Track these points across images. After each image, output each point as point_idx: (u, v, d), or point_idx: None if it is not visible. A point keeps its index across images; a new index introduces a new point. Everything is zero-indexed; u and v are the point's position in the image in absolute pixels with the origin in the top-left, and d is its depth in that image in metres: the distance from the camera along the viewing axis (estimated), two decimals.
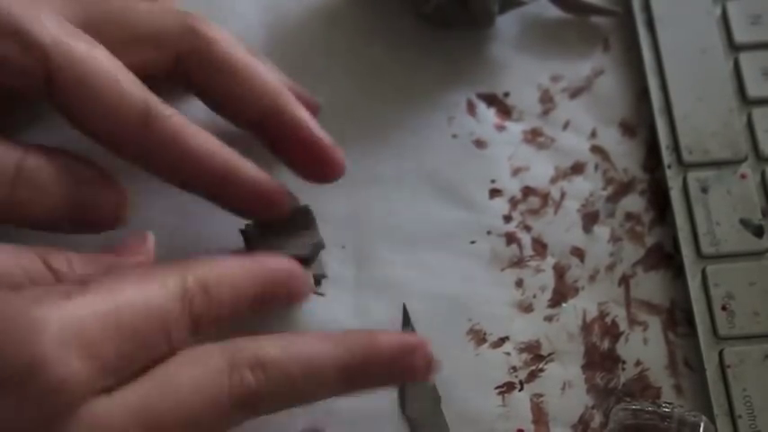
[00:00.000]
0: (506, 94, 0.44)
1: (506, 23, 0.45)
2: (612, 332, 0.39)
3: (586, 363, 0.39)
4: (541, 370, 0.39)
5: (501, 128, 0.43)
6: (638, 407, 0.36)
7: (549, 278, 0.40)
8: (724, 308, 0.38)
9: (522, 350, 0.39)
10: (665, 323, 0.39)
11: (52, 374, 0.27)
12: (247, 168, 0.36)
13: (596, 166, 0.43)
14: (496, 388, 0.38)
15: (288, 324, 0.39)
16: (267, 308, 0.34)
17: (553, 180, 0.42)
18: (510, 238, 0.41)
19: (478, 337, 0.39)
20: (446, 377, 0.38)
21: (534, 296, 0.40)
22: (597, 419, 0.38)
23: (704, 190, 0.41)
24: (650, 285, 0.40)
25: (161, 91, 0.35)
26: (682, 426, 0.35)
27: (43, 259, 0.32)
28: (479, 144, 0.43)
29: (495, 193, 0.42)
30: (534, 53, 0.45)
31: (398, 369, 0.33)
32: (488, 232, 0.41)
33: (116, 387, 0.29)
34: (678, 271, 0.40)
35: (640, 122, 0.43)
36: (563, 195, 0.42)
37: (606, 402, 0.38)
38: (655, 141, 0.42)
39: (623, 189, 0.42)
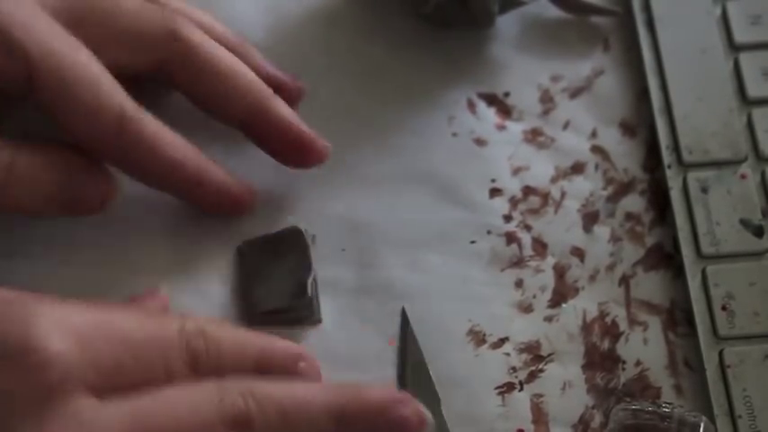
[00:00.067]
0: (506, 94, 0.44)
1: (506, 23, 0.45)
2: (612, 332, 0.39)
3: (586, 363, 0.39)
4: (541, 370, 0.39)
5: (501, 127, 0.43)
6: (638, 407, 0.36)
7: (549, 278, 0.40)
8: (724, 308, 0.38)
9: (521, 350, 0.39)
10: (665, 323, 0.39)
11: (46, 352, 0.28)
12: (217, 174, 0.38)
13: (596, 166, 0.43)
14: (496, 388, 0.38)
15: (288, 327, 0.39)
16: (269, 375, 0.33)
17: (553, 180, 0.42)
18: (510, 238, 0.41)
19: (478, 337, 0.39)
20: (446, 378, 0.38)
21: (534, 296, 0.40)
22: (597, 419, 0.38)
23: (704, 190, 0.41)
24: (650, 285, 0.40)
25: (146, 85, 0.36)
26: (682, 426, 0.35)
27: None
28: (479, 143, 0.43)
29: (495, 192, 0.42)
30: (534, 53, 0.45)
31: (387, 419, 0.33)
32: (488, 232, 0.41)
33: (110, 395, 0.29)
34: (678, 271, 0.40)
35: (640, 122, 0.43)
36: (563, 195, 0.42)
37: (606, 402, 0.38)
38: (655, 141, 0.42)
39: (623, 189, 0.42)
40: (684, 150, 0.41)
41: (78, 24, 0.35)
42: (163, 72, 0.37)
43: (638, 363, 0.39)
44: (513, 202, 0.42)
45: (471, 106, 0.44)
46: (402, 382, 0.38)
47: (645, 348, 0.39)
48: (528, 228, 0.41)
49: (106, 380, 0.29)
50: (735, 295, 0.39)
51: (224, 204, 0.39)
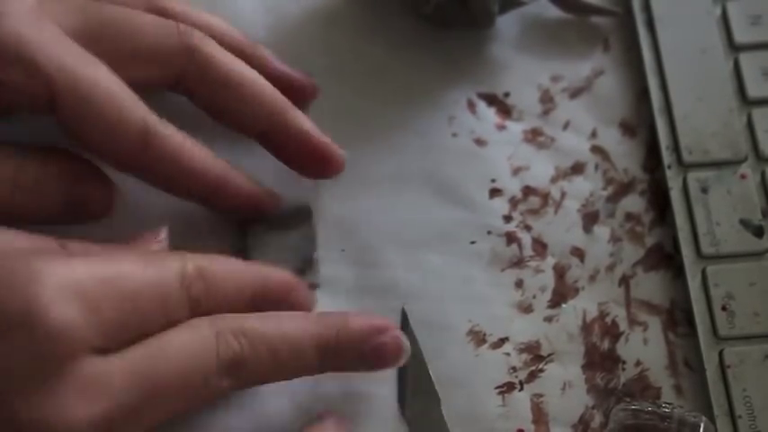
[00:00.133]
0: (506, 94, 0.44)
1: (506, 23, 0.45)
2: (612, 332, 0.39)
3: (586, 363, 0.39)
4: (541, 370, 0.39)
5: (501, 127, 0.43)
6: (638, 407, 0.36)
7: (548, 278, 0.40)
8: (724, 308, 0.38)
9: (521, 351, 0.39)
10: (665, 323, 0.39)
11: (50, 322, 0.28)
12: (240, 180, 0.38)
13: (596, 166, 0.43)
14: (496, 388, 0.38)
15: None
16: (267, 310, 0.35)
17: (553, 180, 0.42)
18: (510, 238, 0.41)
19: (478, 337, 0.39)
20: (446, 378, 0.38)
21: (534, 296, 0.40)
22: (597, 419, 0.38)
23: (704, 190, 0.41)
24: (650, 285, 0.40)
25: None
26: (682, 426, 0.35)
27: (59, 243, 0.33)
28: (479, 143, 0.43)
29: (495, 192, 0.42)
30: (534, 53, 0.45)
31: (369, 348, 0.35)
32: (488, 232, 0.41)
33: (112, 351, 0.30)
34: (678, 271, 0.40)
35: (640, 122, 0.43)
36: (563, 195, 0.42)
37: (606, 402, 0.38)
38: (655, 141, 0.42)
39: (623, 189, 0.42)
40: (684, 150, 0.41)
41: (95, 42, 0.35)
42: (179, 86, 0.38)
43: (638, 363, 0.39)
44: (513, 202, 0.42)
45: (471, 106, 0.44)
46: (402, 382, 0.38)
47: (645, 348, 0.39)
48: (528, 228, 0.41)
49: (111, 339, 0.30)
50: (735, 295, 0.39)
51: (246, 209, 0.39)
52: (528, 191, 0.42)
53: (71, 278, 0.29)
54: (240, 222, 0.40)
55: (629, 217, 0.41)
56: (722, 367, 0.37)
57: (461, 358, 0.39)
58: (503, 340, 0.39)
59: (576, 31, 0.45)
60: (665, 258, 0.41)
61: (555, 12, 0.45)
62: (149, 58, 0.37)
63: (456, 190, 0.42)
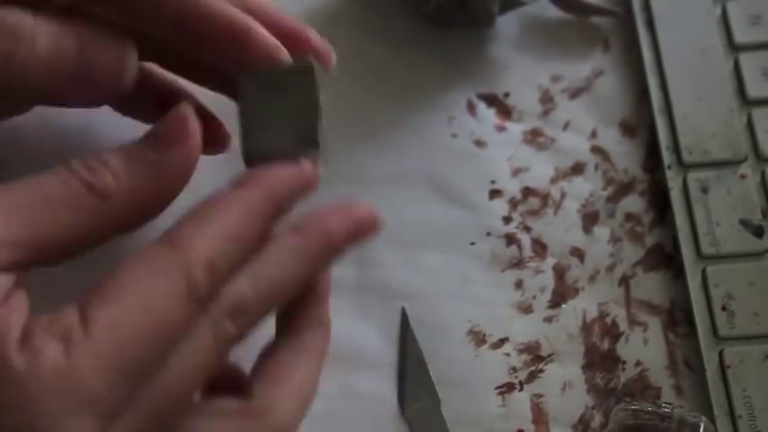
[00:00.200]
0: (506, 95, 0.44)
1: (506, 24, 0.45)
2: (612, 332, 0.39)
3: (586, 363, 0.39)
4: (541, 370, 0.39)
5: (501, 128, 0.43)
6: (638, 407, 0.36)
7: (548, 279, 0.40)
8: (724, 308, 0.38)
9: (521, 351, 0.39)
10: (665, 323, 0.39)
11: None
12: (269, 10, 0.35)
13: (596, 167, 0.43)
14: (496, 388, 0.38)
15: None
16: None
17: (553, 180, 0.42)
18: (510, 239, 0.41)
19: (478, 338, 0.39)
20: (446, 378, 0.38)
21: (534, 297, 0.40)
22: (597, 420, 0.38)
23: (704, 190, 0.41)
24: (650, 286, 0.40)
25: None
26: (682, 426, 0.35)
27: (79, 178, 0.30)
28: (479, 144, 0.43)
29: (494, 193, 0.42)
30: (534, 53, 0.45)
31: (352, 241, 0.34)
32: (488, 233, 0.41)
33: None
34: (678, 271, 0.40)
35: (640, 123, 0.43)
36: (563, 196, 0.42)
37: (606, 402, 0.38)
38: (655, 142, 0.42)
39: (623, 189, 0.42)
40: (684, 151, 0.41)
41: None
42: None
43: (638, 363, 0.39)
44: (513, 203, 0.42)
45: (471, 108, 0.44)
46: (402, 382, 0.38)
47: (645, 348, 0.39)
48: (528, 229, 0.41)
49: (118, 407, 0.28)
50: (735, 295, 0.39)
51: (281, 39, 0.35)
52: (528, 192, 0.42)
53: (71, 383, 0.27)
54: (238, 73, 0.35)
55: (629, 217, 0.42)
56: (722, 367, 0.38)
57: (461, 358, 0.39)
58: (503, 340, 0.39)
59: (576, 31, 0.45)
60: (665, 258, 0.41)
61: (555, 12, 0.45)
62: None
63: (456, 191, 0.42)
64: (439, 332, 0.39)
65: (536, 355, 0.39)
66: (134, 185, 0.31)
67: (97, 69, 0.33)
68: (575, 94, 0.44)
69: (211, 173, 0.39)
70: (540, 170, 0.42)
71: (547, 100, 0.44)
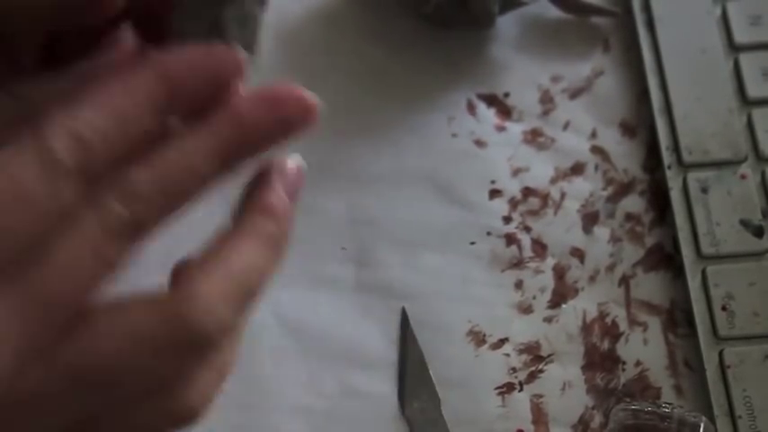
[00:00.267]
0: (506, 95, 0.44)
1: (507, 24, 0.45)
2: (612, 333, 0.39)
3: (586, 363, 0.39)
4: (541, 371, 0.39)
5: (501, 128, 0.43)
6: (637, 407, 0.36)
7: (548, 279, 0.40)
8: (724, 308, 0.38)
9: (521, 351, 0.39)
10: (665, 323, 0.39)
11: None
12: None
13: (596, 167, 0.43)
14: (496, 389, 0.38)
15: (283, 324, 0.39)
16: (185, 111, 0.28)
17: (553, 180, 0.42)
18: (510, 239, 0.41)
19: (478, 338, 0.39)
20: (446, 378, 0.38)
21: (534, 297, 0.40)
22: (597, 420, 0.38)
23: (704, 190, 0.41)
24: (650, 286, 0.40)
25: None
26: (682, 426, 0.35)
27: None
28: (479, 144, 0.43)
29: (494, 193, 0.42)
30: (534, 54, 0.45)
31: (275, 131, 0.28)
32: (488, 233, 0.41)
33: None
34: (678, 271, 0.40)
35: (640, 123, 0.43)
36: (563, 196, 0.42)
37: (606, 403, 0.38)
38: (655, 142, 0.42)
39: (623, 189, 0.42)
40: (684, 151, 0.41)
41: None
42: None
43: (637, 363, 0.39)
44: (513, 203, 0.42)
45: (471, 108, 0.44)
46: (402, 382, 0.38)
47: (645, 349, 0.39)
48: (528, 229, 0.41)
49: None
50: (735, 295, 0.39)
51: None
52: (528, 192, 0.42)
53: None
54: None
55: (629, 217, 0.42)
56: (722, 367, 0.38)
57: (461, 359, 0.39)
58: (503, 341, 0.39)
59: (576, 31, 0.45)
60: (665, 258, 0.41)
61: (555, 12, 0.45)
62: None
63: (456, 191, 0.42)
64: (439, 332, 0.39)
65: (536, 356, 0.39)
66: None
67: None
68: (575, 94, 0.44)
69: None
70: (540, 170, 0.42)
71: (547, 100, 0.44)
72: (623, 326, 0.39)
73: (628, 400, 0.38)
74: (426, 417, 0.38)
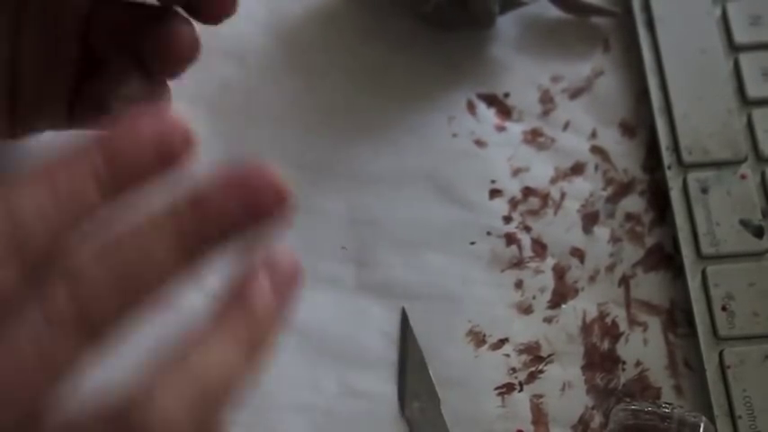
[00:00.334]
0: (506, 95, 0.44)
1: (506, 24, 0.45)
2: (612, 333, 0.39)
3: (586, 363, 0.39)
4: (541, 371, 0.39)
5: (501, 128, 0.43)
6: (637, 407, 0.36)
7: (548, 279, 0.40)
8: (724, 308, 0.38)
9: (521, 351, 0.39)
10: (665, 324, 0.39)
11: None
12: None
13: (596, 167, 0.43)
14: (496, 389, 0.38)
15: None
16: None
17: (553, 180, 0.42)
18: (510, 239, 0.41)
19: (478, 338, 0.39)
20: (446, 378, 0.38)
21: (534, 297, 0.40)
22: (597, 420, 0.38)
23: (704, 190, 0.41)
24: (650, 286, 0.40)
25: None
26: (682, 426, 0.35)
27: None
28: (479, 144, 0.43)
29: (494, 193, 0.42)
30: (534, 54, 0.45)
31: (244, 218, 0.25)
32: (488, 233, 0.41)
33: None
34: (678, 271, 0.40)
35: (640, 123, 0.43)
36: (563, 196, 0.42)
37: (606, 403, 0.38)
38: (655, 142, 0.42)
39: (623, 189, 0.42)
40: (684, 151, 0.41)
41: None
42: None
43: (637, 363, 0.39)
44: (513, 203, 0.42)
45: (471, 107, 0.44)
46: (402, 382, 0.38)
47: (645, 349, 0.39)
48: (528, 229, 0.41)
49: None
50: (735, 296, 0.39)
51: None
52: (528, 192, 0.42)
53: None
54: None
55: (628, 217, 0.42)
56: (722, 367, 0.38)
57: (461, 359, 0.39)
58: (502, 341, 0.39)
59: (576, 31, 0.45)
60: (665, 258, 0.41)
61: (555, 12, 0.45)
62: None
63: (456, 190, 0.42)
64: (439, 332, 0.39)
65: (536, 356, 0.39)
66: None
67: None
68: (575, 94, 0.44)
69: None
70: (540, 170, 0.42)
71: (547, 100, 0.44)
72: (623, 326, 0.39)
73: (628, 400, 0.38)
74: (426, 417, 0.38)
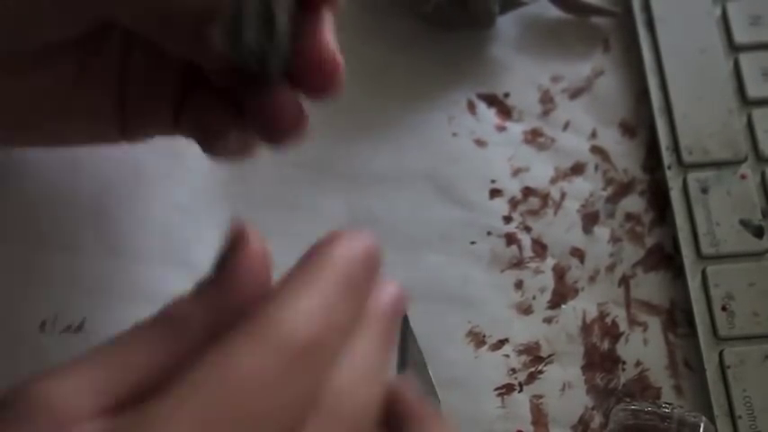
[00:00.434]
0: (506, 95, 0.44)
1: (507, 24, 0.45)
2: (612, 333, 0.39)
3: (586, 363, 0.39)
4: (541, 371, 0.39)
5: (501, 128, 0.43)
6: (637, 407, 0.36)
7: (548, 279, 0.40)
8: (724, 308, 0.38)
9: (521, 352, 0.39)
10: (665, 324, 0.39)
11: None
12: None
13: (596, 167, 0.43)
14: (496, 389, 0.38)
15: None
16: None
17: (553, 180, 0.42)
18: (510, 239, 0.41)
19: (478, 339, 0.39)
20: (446, 378, 0.38)
21: (534, 297, 0.40)
22: (597, 420, 0.38)
23: (704, 190, 0.41)
24: (650, 286, 0.40)
25: None
26: (682, 426, 0.35)
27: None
28: (480, 144, 0.43)
29: (495, 193, 0.42)
30: (534, 54, 0.45)
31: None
32: (488, 233, 0.41)
33: None
34: (678, 271, 0.40)
35: (640, 123, 0.43)
36: (563, 196, 0.42)
37: (606, 403, 0.38)
38: (655, 142, 0.42)
39: (623, 189, 0.42)
40: (684, 151, 0.41)
41: None
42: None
43: (637, 363, 0.39)
44: (513, 203, 0.42)
45: (471, 107, 0.44)
46: None
47: (645, 349, 0.39)
48: (528, 229, 0.41)
49: None
50: (735, 296, 0.39)
51: None
52: (528, 192, 0.42)
53: None
54: None
55: (628, 217, 0.41)
56: (722, 367, 0.38)
57: (461, 359, 0.39)
58: (502, 341, 0.39)
59: (576, 31, 0.45)
60: (665, 259, 0.41)
61: (555, 12, 0.45)
62: None
63: (456, 190, 0.42)
64: (439, 333, 0.39)
65: (536, 356, 0.39)
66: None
67: None
68: (575, 94, 0.44)
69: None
70: (540, 170, 0.42)
71: (547, 100, 0.44)
72: (623, 326, 0.39)
73: (628, 400, 0.38)
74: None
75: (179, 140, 0.36)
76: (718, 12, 0.44)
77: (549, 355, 0.39)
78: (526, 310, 0.40)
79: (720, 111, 0.42)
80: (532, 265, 0.41)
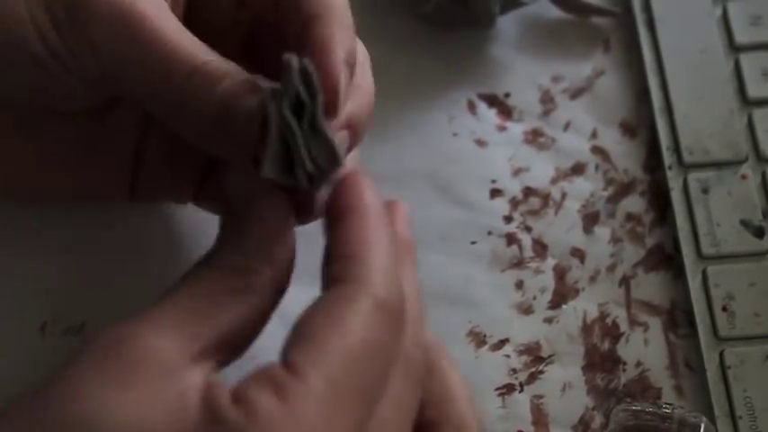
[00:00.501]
0: (507, 95, 0.44)
1: (507, 24, 0.45)
2: (613, 333, 0.39)
3: (587, 364, 0.39)
4: (541, 372, 0.39)
5: (502, 128, 0.43)
6: (638, 408, 0.36)
7: (549, 279, 0.40)
8: (724, 309, 0.38)
9: (521, 352, 0.39)
10: (666, 324, 0.39)
11: None
12: None
13: (597, 167, 0.42)
14: (496, 389, 0.38)
15: (284, 322, 0.39)
16: None
17: (554, 181, 0.42)
18: (510, 239, 0.41)
19: (478, 339, 0.39)
20: None
21: (534, 298, 0.40)
22: (597, 420, 0.38)
23: (705, 191, 0.41)
24: (651, 286, 0.40)
25: None
26: (682, 426, 0.35)
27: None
28: (480, 144, 0.43)
29: (495, 193, 0.42)
30: (535, 54, 0.45)
31: None
32: (489, 233, 0.41)
33: None
34: (679, 272, 0.40)
35: (641, 123, 0.43)
36: (563, 196, 0.42)
37: (606, 403, 0.38)
38: (655, 142, 0.42)
39: (624, 190, 0.42)
40: (685, 151, 0.41)
41: None
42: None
43: (638, 363, 0.39)
44: (514, 203, 0.42)
45: (472, 107, 0.44)
46: None
47: (645, 349, 0.39)
48: (528, 229, 0.41)
49: None
50: (735, 296, 0.39)
51: None
52: (528, 191, 0.42)
53: None
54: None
55: (629, 217, 0.41)
56: (723, 368, 0.37)
57: (461, 359, 0.39)
58: (503, 342, 0.39)
59: (577, 31, 0.45)
60: (666, 259, 0.41)
61: (555, 12, 0.45)
62: None
63: (456, 190, 0.42)
64: (439, 332, 0.39)
65: (536, 356, 0.39)
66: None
67: None
68: (575, 94, 0.44)
69: None
70: (541, 170, 0.42)
71: (547, 100, 0.44)
72: (624, 326, 0.39)
73: (628, 400, 0.38)
74: None
75: None
76: (718, 12, 0.44)
77: (550, 356, 0.39)
78: (527, 310, 0.40)
79: (721, 111, 0.42)
80: (533, 265, 0.41)
